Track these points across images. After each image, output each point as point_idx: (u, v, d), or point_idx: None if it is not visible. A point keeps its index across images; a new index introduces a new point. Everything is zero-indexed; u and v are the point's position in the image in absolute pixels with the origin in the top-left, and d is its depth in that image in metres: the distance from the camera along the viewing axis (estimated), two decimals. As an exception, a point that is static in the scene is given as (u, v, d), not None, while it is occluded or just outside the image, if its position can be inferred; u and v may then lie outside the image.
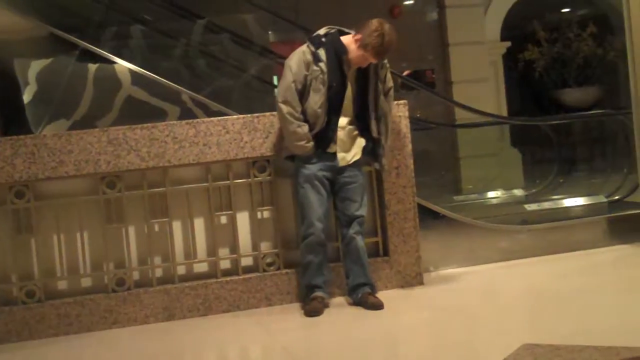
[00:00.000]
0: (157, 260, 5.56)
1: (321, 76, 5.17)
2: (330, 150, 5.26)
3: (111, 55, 6.86)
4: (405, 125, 5.80)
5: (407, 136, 5.81)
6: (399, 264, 5.77)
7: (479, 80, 11.28)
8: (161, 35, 7.83)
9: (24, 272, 5.38)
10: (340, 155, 5.27)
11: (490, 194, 9.64)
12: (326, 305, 5.30)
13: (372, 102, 5.29)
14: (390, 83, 5.44)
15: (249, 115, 5.58)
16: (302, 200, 5.33)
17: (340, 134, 5.27)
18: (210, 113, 6.64)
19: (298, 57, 5.27)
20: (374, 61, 5.19)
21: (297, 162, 5.33)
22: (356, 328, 4.97)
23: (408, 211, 5.79)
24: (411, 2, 11.90)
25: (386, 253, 5.79)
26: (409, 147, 5.82)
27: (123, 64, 6.91)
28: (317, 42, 5.27)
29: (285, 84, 5.25)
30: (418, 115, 9.44)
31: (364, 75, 5.29)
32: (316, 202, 5.26)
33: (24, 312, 5.29)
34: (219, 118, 5.67)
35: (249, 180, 5.63)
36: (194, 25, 7.98)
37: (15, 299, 5.35)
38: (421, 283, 5.81)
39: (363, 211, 5.39)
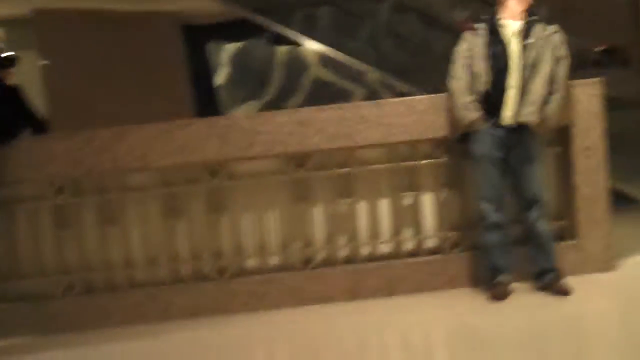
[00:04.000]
0: (342, 240, 5.65)
1: (477, 49, 5.12)
2: (502, 121, 5.07)
3: (300, 37, 6.98)
4: (596, 105, 5.53)
5: (598, 116, 5.53)
6: (588, 249, 5.54)
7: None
8: (348, 16, 7.88)
9: (214, 250, 5.61)
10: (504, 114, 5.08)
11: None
12: (510, 290, 5.21)
13: (536, 65, 5.07)
14: (560, 52, 5.12)
15: (434, 95, 5.51)
16: (476, 182, 5.28)
17: (511, 92, 5.05)
18: (396, 93, 6.65)
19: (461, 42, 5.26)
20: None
21: (470, 141, 5.21)
22: (541, 314, 4.87)
23: (599, 195, 5.53)
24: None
25: (573, 238, 5.58)
26: (601, 127, 5.54)
27: (311, 46, 7.02)
28: (477, 21, 5.25)
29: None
30: (612, 95, 8.99)
31: (526, 38, 5.10)
32: (486, 183, 5.17)
33: (214, 287, 5.52)
34: (405, 98, 5.66)
35: (434, 161, 5.60)
36: (380, 5, 7.99)
37: (206, 276, 5.59)
38: (611, 270, 5.54)
39: (540, 192, 5.19)
